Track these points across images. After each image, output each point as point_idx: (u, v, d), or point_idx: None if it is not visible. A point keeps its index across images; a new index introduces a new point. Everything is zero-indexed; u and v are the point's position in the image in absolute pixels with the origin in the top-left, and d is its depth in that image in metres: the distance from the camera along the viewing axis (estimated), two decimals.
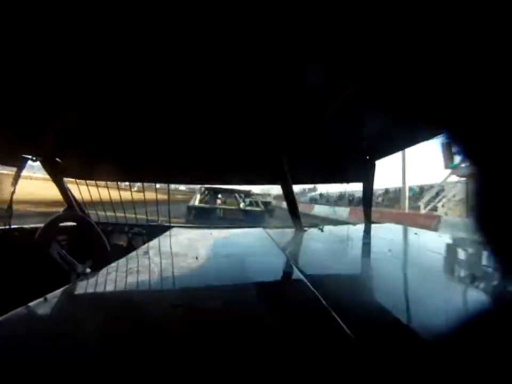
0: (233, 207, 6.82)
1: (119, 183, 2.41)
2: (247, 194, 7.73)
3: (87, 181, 2.29)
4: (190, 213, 6.50)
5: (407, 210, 11.74)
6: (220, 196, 7.50)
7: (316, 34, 0.80)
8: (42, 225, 1.79)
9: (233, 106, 1.34)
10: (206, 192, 7.41)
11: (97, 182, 2.32)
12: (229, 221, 6.04)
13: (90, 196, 2.35)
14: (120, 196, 2.38)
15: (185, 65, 0.98)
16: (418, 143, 1.68)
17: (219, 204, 7.14)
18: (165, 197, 2.56)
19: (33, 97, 1.18)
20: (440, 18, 0.63)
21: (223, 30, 0.80)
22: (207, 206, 6.85)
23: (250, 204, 7.45)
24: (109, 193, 2.37)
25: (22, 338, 0.51)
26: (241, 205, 7.21)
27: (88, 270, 1.73)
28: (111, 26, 0.78)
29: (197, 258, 1.08)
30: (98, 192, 2.35)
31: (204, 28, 0.79)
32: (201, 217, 6.23)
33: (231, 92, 1.19)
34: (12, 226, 1.97)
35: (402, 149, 1.88)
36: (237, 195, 7.57)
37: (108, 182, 2.33)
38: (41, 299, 0.65)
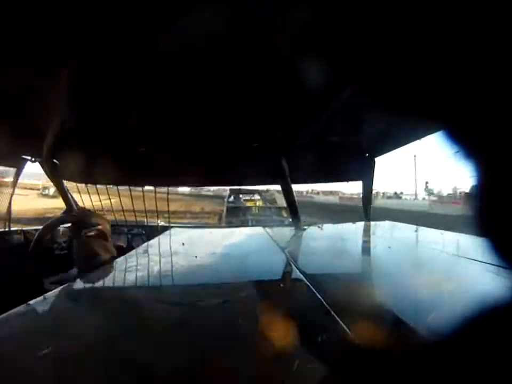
0: (262, 205, 7.52)
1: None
2: (262, 193, 8.24)
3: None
4: (228, 213, 7.06)
5: None
6: (243, 196, 8.03)
7: (315, 32, 0.80)
8: (42, 227, 1.79)
9: (232, 107, 1.34)
10: (232, 194, 7.92)
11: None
12: (262, 216, 6.61)
13: (90, 198, 2.35)
14: (119, 196, 2.37)
15: (184, 65, 0.98)
16: (418, 139, 1.67)
17: (245, 203, 7.75)
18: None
19: (33, 98, 1.18)
20: (440, 14, 0.62)
21: (220, 27, 0.79)
22: (241, 205, 7.48)
23: (270, 201, 8.01)
24: (108, 193, 2.37)
25: (22, 337, 0.51)
26: (264, 203, 7.87)
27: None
28: (112, 29, 0.78)
29: (196, 257, 1.08)
30: (98, 193, 2.35)
31: (202, 27, 0.78)
32: (237, 216, 6.76)
33: (230, 92, 1.19)
34: (12, 228, 1.97)
35: (402, 146, 1.87)
36: (259, 194, 8.12)
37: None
38: (41, 298, 0.64)
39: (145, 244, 1.41)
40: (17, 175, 1.95)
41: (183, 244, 1.42)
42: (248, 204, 7.61)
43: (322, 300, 0.65)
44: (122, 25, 0.77)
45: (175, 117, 1.44)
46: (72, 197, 2.24)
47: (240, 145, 1.84)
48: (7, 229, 1.93)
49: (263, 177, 2.17)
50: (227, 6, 0.72)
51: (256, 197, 8.02)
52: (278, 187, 2.22)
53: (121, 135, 1.68)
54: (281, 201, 7.66)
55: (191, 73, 1.03)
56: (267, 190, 8.17)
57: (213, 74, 1.04)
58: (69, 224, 1.94)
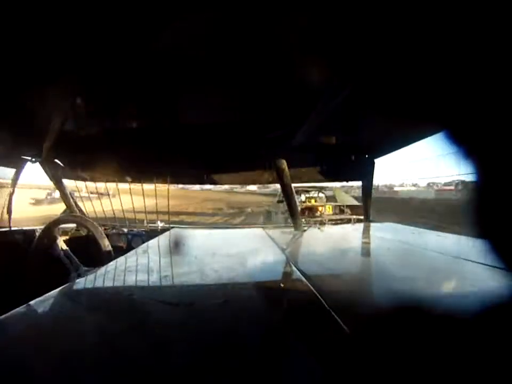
0: (331, 204, 6.65)
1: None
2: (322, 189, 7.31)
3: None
4: (303, 213, 6.28)
5: None
6: (305, 194, 7.08)
7: (315, 32, 0.80)
8: (43, 227, 1.80)
9: (232, 106, 1.34)
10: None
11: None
12: (334, 215, 6.02)
13: (90, 198, 2.35)
14: (119, 197, 2.37)
15: (184, 65, 0.98)
16: (417, 141, 1.68)
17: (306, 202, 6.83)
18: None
19: (32, 98, 1.18)
20: (440, 16, 0.63)
21: (217, 27, 0.79)
22: (313, 205, 6.64)
23: (331, 199, 7.10)
24: (109, 194, 2.37)
25: (22, 337, 0.51)
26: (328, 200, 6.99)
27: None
28: (111, 30, 0.78)
29: (195, 257, 1.08)
30: (98, 193, 2.35)
31: (200, 26, 0.78)
32: (313, 216, 6.05)
33: (229, 91, 1.19)
34: (13, 228, 1.97)
35: (401, 147, 1.88)
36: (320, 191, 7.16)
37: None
38: (41, 298, 0.65)
39: (145, 244, 1.41)
40: (17, 175, 1.95)
41: (183, 244, 1.42)
42: (316, 203, 6.73)
43: (322, 300, 0.65)
44: (121, 27, 0.78)
45: (175, 116, 1.44)
46: (73, 197, 2.24)
47: (241, 144, 1.84)
48: (8, 229, 1.93)
49: (263, 176, 2.17)
50: (224, 5, 0.72)
51: (320, 194, 7.11)
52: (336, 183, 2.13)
53: (121, 134, 1.68)
54: (342, 198, 6.80)
55: (191, 74, 1.03)
56: (326, 187, 7.15)
57: (213, 75, 1.04)
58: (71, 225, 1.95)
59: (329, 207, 6.33)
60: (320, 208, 6.44)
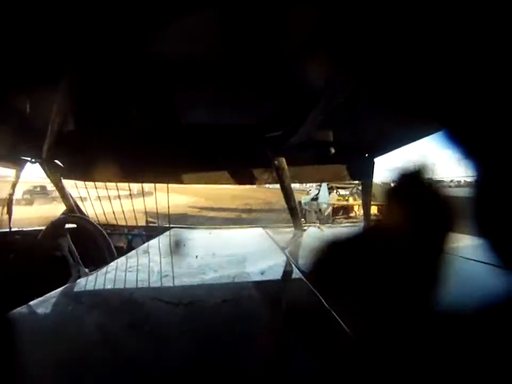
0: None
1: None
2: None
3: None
4: (335, 213, 6.11)
5: None
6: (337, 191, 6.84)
7: (315, 31, 0.80)
8: (43, 227, 1.80)
9: (231, 105, 1.34)
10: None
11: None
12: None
13: (90, 198, 2.35)
14: (119, 197, 2.37)
15: (183, 63, 0.98)
16: (417, 140, 1.67)
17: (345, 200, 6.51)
18: None
19: (31, 98, 1.18)
20: (441, 14, 0.62)
21: (216, 26, 0.79)
22: (350, 203, 6.31)
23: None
24: (108, 195, 2.37)
25: (22, 337, 0.51)
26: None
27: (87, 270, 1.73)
28: (110, 31, 0.78)
29: (196, 257, 1.08)
30: (98, 194, 2.35)
31: (200, 26, 0.78)
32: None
33: (228, 90, 1.18)
34: (13, 229, 1.96)
35: (401, 146, 1.87)
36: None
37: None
38: (42, 298, 0.65)
39: (145, 244, 1.41)
40: (17, 176, 1.95)
41: (183, 244, 1.42)
42: (352, 202, 6.35)
43: (323, 300, 0.65)
44: (120, 27, 0.78)
45: (175, 116, 1.44)
46: (72, 197, 2.24)
47: (240, 144, 1.84)
48: (8, 230, 1.93)
49: (263, 176, 2.17)
50: (222, 4, 0.71)
51: (343, 191, 6.78)
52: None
53: (120, 134, 1.68)
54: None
55: (191, 73, 1.03)
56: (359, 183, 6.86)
57: (213, 74, 1.04)
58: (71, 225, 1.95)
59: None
60: (355, 208, 6.01)
